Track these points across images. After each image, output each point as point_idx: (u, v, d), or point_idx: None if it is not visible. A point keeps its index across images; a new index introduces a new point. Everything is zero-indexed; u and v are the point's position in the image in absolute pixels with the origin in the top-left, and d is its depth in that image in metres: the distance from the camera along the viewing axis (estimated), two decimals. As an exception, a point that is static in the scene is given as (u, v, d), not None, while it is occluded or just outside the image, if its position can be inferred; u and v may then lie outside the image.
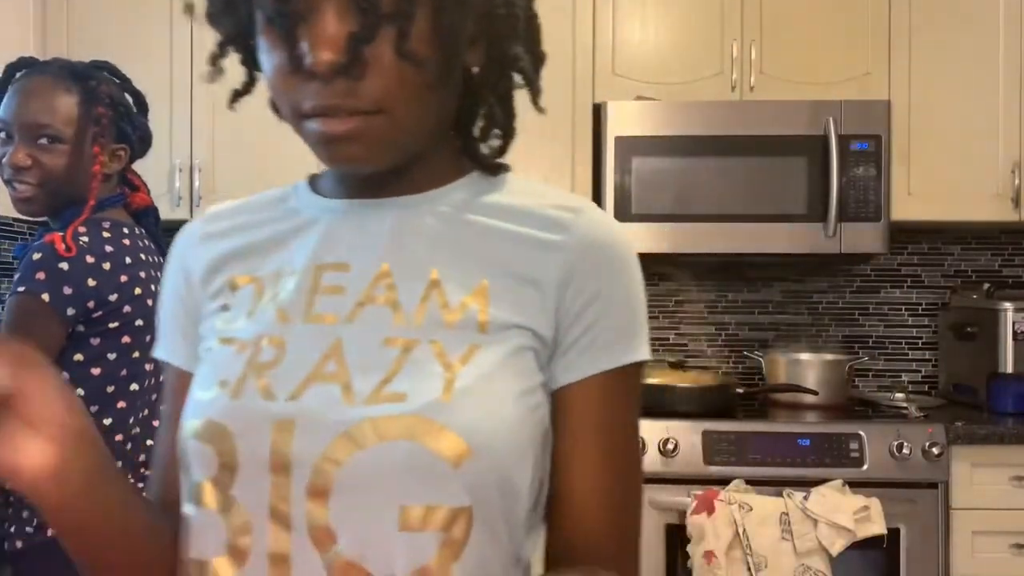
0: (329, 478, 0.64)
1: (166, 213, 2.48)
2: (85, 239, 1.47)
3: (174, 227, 2.33)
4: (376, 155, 0.67)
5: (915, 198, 2.54)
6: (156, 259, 1.60)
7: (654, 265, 2.91)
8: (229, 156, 2.61)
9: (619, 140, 2.49)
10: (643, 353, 0.73)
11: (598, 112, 2.56)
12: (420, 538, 0.63)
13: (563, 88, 2.58)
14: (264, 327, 0.71)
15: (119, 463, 1.48)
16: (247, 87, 0.75)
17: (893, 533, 2.17)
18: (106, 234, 1.51)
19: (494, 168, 0.77)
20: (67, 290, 1.42)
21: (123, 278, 1.49)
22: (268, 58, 0.67)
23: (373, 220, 0.73)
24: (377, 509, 0.63)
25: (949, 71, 2.54)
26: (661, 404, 2.36)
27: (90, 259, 1.45)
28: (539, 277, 0.70)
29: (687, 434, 2.23)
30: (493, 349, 0.67)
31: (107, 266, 1.47)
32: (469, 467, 0.63)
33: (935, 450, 2.19)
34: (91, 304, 1.44)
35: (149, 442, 1.55)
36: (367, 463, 0.63)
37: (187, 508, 0.70)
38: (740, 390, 2.47)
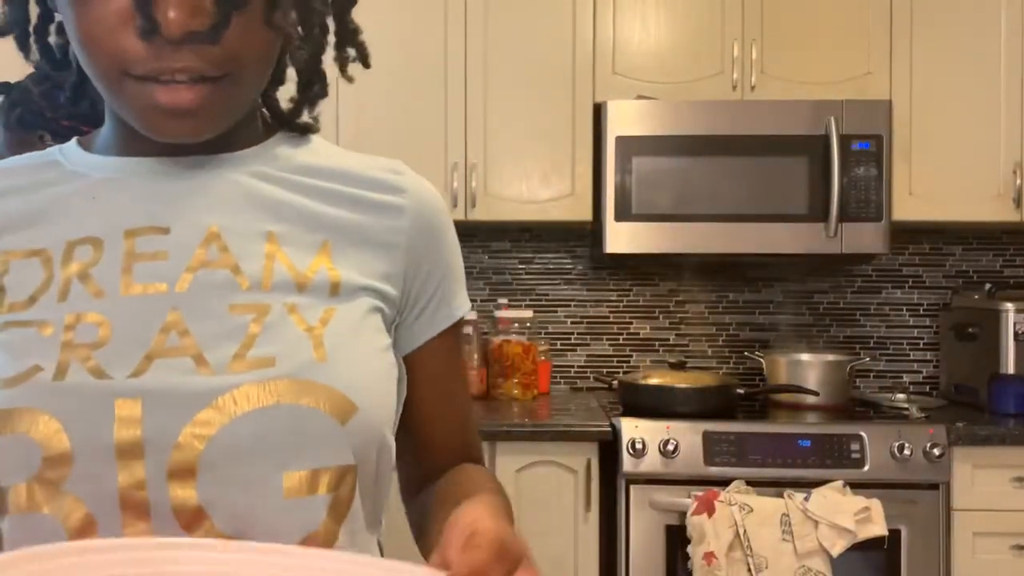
0: (195, 455, 0.58)
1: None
2: None
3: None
4: (212, 126, 0.63)
5: (916, 198, 2.54)
6: None
7: (654, 265, 2.90)
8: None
9: (619, 140, 2.48)
10: (468, 301, 0.80)
11: (598, 112, 2.55)
12: (308, 503, 0.61)
13: (563, 88, 2.57)
14: (73, 304, 0.62)
15: None
16: (25, 28, 0.68)
17: (894, 534, 2.16)
18: None
19: (304, 129, 0.75)
20: None
21: None
22: (87, 4, 0.58)
23: (187, 179, 0.67)
24: (256, 479, 0.60)
25: (950, 71, 2.54)
26: (661, 404, 2.35)
27: None
28: (387, 239, 0.71)
29: (687, 435, 2.22)
30: (348, 310, 0.67)
31: None
32: (355, 424, 0.63)
33: (936, 451, 2.19)
34: None
35: None
36: (241, 433, 0.59)
37: None
38: (741, 391, 2.47)
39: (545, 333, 2.90)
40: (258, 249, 0.66)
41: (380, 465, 0.68)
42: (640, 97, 2.53)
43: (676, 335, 2.91)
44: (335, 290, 0.67)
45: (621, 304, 2.92)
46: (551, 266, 2.92)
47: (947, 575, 2.23)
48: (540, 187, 2.58)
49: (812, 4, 2.57)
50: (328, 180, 0.71)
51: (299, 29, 0.65)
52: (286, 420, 0.60)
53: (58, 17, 0.69)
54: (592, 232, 2.78)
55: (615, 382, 2.52)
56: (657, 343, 2.91)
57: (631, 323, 2.92)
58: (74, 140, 0.71)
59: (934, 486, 2.21)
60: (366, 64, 0.73)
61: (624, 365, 2.91)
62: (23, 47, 0.68)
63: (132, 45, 0.58)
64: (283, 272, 0.65)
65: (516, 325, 2.70)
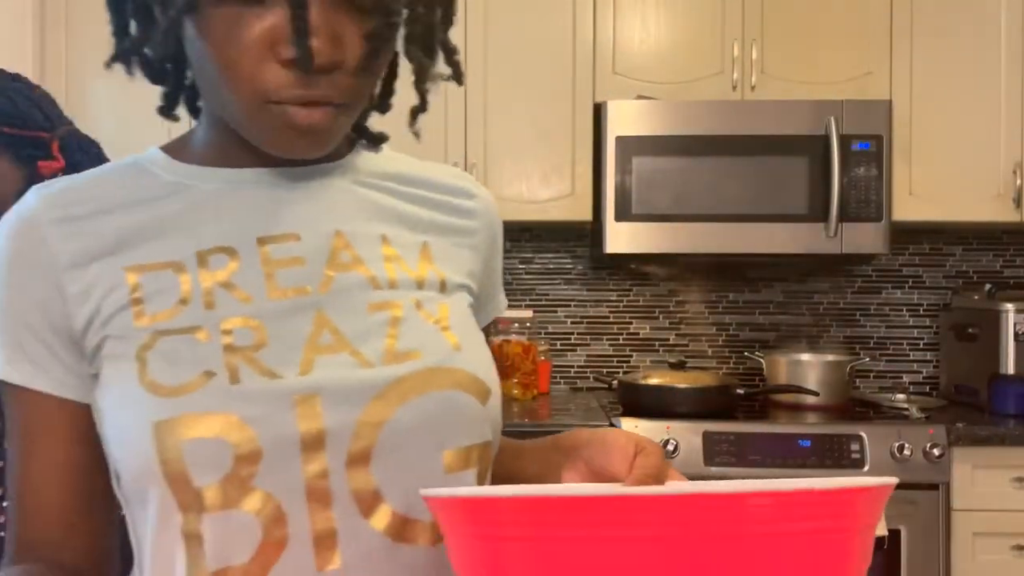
0: (370, 442, 0.64)
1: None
2: None
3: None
4: (330, 145, 0.67)
5: (916, 198, 2.54)
6: None
7: (654, 265, 2.90)
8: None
9: (619, 140, 2.48)
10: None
11: (598, 112, 2.55)
12: (463, 476, 0.68)
13: (563, 88, 2.57)
14: (222, 310, 0.66)
15: None
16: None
17: (894, 534, 2.16)
18: None
19: (379, 139, 0.79)
20: None
21: None
22: (229, 32, 0.61)
23: (300, 188, 0.71)
24: (422, 460, 0.66)
25: (950, 71, 2.54)
26: (661, 404, 2.35)
27: None
28: (469, 241, 0.79)
29: (687, 435, 2.22)
30: (455, 304, 0.74)
31: None
32: (491, 404, 0.71)
33: (936, 451, 2.18)
34: None
35: None
36: (407, 419, 0.65)
37: (188, 521, 0.63)
38: (740, 391, 2.46)
39: (545, 333, 2.90)
40: (378, 251, 0.71)
41: (499, 439, 0.75)
42: (640, 97, 2.53)
43: (676, 335, 2.91)
44: (443, 287, 0.74)
45: (621, 304, 2.92)
46: (551, 266, 2.92)
47: (947, 575, 2.23)
48: (540, 187, 2.58)
49: (812, 4, 2.57)
50: (415, 186, 0.77)
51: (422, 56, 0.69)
52: (442, 405, 0.66)
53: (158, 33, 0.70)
54: (592, 232, 2.78)
55: (615, 382, 2.52)
56: (657, 343, 2.91)
57: (631, 323, 2.92)
58: (156, 149, 0.73)
59: (934, 486, 2.21)
60: (459, 81, 0.75)
61: (624, 365, 2.91)
62: (128, 65, 0.70)
63: (275, 73, 0.61)
64: (403, 272, 0.71)
65: (516, 325, 2.70)
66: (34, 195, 0.69)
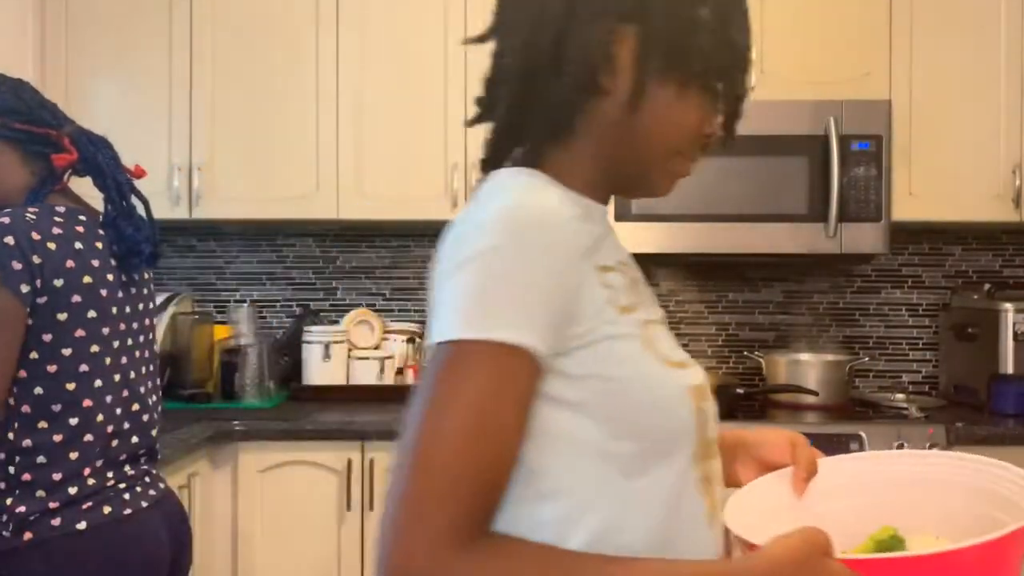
0: (714, 429, 0.85)
1: (164, 212, 2.47)
2: (32, 217, 1.41)
3: (172, 226, 2.31)
4: None
5: (916, 198, 2.54)
6: (112, 248, 1.51)
7: (654, 265, 2.90)
8: (228, 156, 2.60)
9: (619, 140, 2.48)
10: None
11: (598, 112, 2.55)
12: (718, 460, 0.87)
13: (563, 87, 2.57)
14: (644, 313, 0.84)
15: (97, 462, 1.44)
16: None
17: (893, 534, 2.16)
18: (58, 218, 1.45)
19: None
20: (16, 265, 1.36)
21: (70, 264, 1.42)
22: (699, 110, 0.89)
23: (608, 223, 0.93)
24: (714, 443, 0.86)
25: (950, 71, 2.54)
26: (661, 404, 2.35)
27: (36, 235, 1.40)
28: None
29: (687, 435, 2.22)
30: None
31: (52, 246, 1.41)
32: None
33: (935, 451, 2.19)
34: (38, 283, 1.38)
35: (135, 439, 1.51)
36: (715, 410, 0.85)
37: (705, 467, 0.83)
38: (740, 390, 2.47)
39: (545, 333, 2.90)
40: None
41: None
42: (640, 97, 2.53)
43: (676, 335, 2.90)
44: None
45: (621, 304, 2.91)
46: (551, 266, 2.92)
47: (946, 575, 2.23)
48: (540, 187, 2.57)
49: (812, 4, 2.57)
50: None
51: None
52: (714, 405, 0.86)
53: None
54: (592, 232, 2.77)
55: (615, 382, 2.52)
56: (657, 343, 2.91)
57: (631, 323, 2.91)
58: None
59: (934, 486, 2.21)
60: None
61: (624, 365, 2.91)
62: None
63: (700, 140, 0.90)
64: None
65: (516, 325, 2.70)
66: (554, 194, 0.81)
